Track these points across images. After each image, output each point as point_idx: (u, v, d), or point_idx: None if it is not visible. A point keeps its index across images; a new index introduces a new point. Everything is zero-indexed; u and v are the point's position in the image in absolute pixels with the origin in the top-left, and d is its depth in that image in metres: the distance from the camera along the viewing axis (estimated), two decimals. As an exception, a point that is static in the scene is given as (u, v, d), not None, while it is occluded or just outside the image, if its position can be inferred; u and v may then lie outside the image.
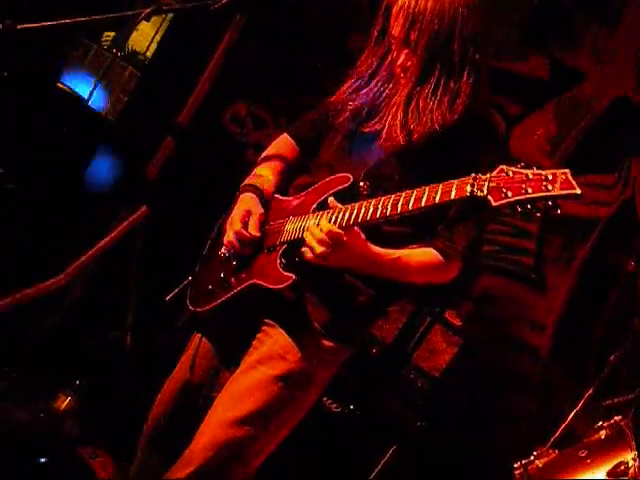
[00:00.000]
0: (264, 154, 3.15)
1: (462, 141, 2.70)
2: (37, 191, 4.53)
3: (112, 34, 6.35)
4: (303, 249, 2.58)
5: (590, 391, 3.90)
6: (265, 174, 3.04)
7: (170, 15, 6.57)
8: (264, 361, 2.71)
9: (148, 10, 2.53)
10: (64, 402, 3.95)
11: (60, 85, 4.76)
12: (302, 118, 3.24)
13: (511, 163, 2.18)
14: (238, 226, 2.83)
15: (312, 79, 4.95)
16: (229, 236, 2.85)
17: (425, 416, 4.28)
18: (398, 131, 2.70)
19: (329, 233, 2.50)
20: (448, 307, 4.48)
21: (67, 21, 2.40)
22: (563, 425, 3.81)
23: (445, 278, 2.78)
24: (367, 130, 2.82)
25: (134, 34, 6.69)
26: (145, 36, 6.69)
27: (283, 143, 3.18)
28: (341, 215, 2.54)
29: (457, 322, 4.47)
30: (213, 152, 5.14)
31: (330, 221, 2.55)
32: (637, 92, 5.21)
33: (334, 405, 4.05)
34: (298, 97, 5.21)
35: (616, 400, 3.84)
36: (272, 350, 2.72)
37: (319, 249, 2.52)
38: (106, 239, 2.30)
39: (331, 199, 2.61)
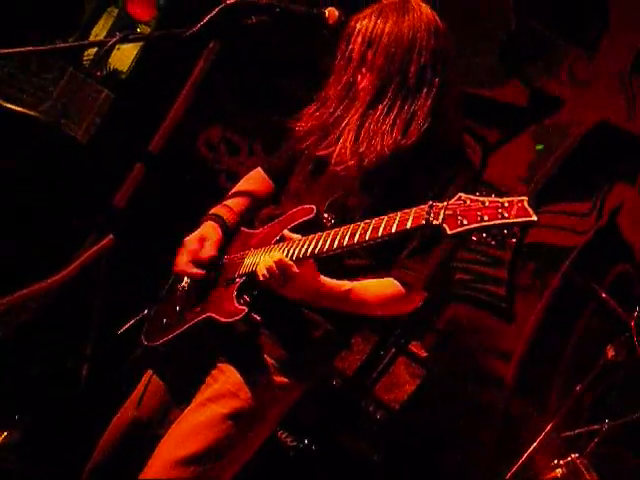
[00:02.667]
0: (235, 188, 3.14)
1: (424, 168, 2.69)
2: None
3: (92, 54, 6.31)
4: (258, 271, 2.55)
5: (552, 423, 3.90)
6: (232, 205, 3.02)
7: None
8: (215, 399, 2.66)
9: (115, 39, 2.50)
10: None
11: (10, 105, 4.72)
12: (275, 152, 3.24)
13: (472, 191, 2.18)
14: (194, 245, 2.80)
15: (286, 103, 4.96)
16: (180, 262, 2.81)
17: (381, 449, 4.25)
18: (348, 154, 2.69)
19: (278, 263, 2.49)
20: (413, 338, 4.45)
21: (29, 48, 2.38)
22: (524, 456, 3.81)
23: (406, 309, 2.75)
24: (320, 153, 2.81)
25: (115, 53, 6.65)
26: (127, 55, 6.65)
27: (254, 177, 3.17)
28: (299, 247, 2.52)
29: (422, 353, 4.47)
30: (185, 178, 5.12)
31: (286, 252, 2.54)
32: (626, 116, 5.23)
33: (289, 439, 4.03)
34: (272, 122, 5.21)
35: (576, 432, 3.85)
36: (224, 388, 2.67)
37: (265, 276, 2.51)
38: (69, 268, 2.26)
39: (285, 231, 2.61)
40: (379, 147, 2.65)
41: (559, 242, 5.21)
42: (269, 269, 2.50)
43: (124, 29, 6.45)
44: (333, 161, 2.75)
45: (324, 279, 2.61)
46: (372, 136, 2.68)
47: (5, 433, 3.87)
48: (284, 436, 4.03)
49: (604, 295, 4.07)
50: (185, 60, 2.63)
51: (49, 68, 4.65)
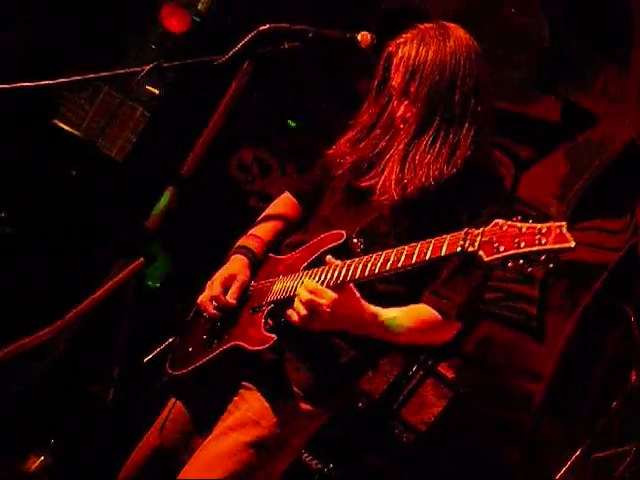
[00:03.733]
0: (264, 213, 3.14)
1: (461, 195, 2.66)
2: (38, 236, 4.55)
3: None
4: (289, 312, 2.55)
5: (582, 447, 3.87)
6: (260, 234, 3.01)
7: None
8: (236, 427, 2.66)
9: (148, 68, 2.53)
10: (34, 463, 3.93)
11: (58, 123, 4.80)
12: (304, 175, 3.23)
13: (508, 217, 2.14)
14: (217, 290, 2.79)
15: (319, 124, 4.99)
16: (204, 297, 2.82)
17: (408, 472, 4.22)
18: (393, 185, 2.66)
19: (314, 291, 2.48)
20: (441, 360, 4.43)
21: (63, 80, 2.42)
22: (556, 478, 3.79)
23: (444, 337, 2.74)
24: (363, 184, 2.78)
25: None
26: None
27: (283, 202, 3.15)
28: (330, 273, 2.51)
29: (450, 374, 4.44)
30: (217, 200, 5.15)
31: (320, 279, 2.52)
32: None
33: (314, 462, 4.02)
34: (304, 142, 5.24)
35: (608, 453, 3.82)
36: (245, 415, 2.67)
37: (303, 312, 2.49)
38: (99, 292, 2.30)
39: (329, 256, 2.57)
40: (424, 178, 2.63)
41: (592, 259, 5.16)
42: (306, 302, 2.47)
43: (161, 38, 6.49)
44: (377, 192, 2.71)
45: (369, 306, 2.58)
46: (417, 166, 2.66)
47: (42, 457, 3.92)
48: (309, 459, 4.03)
49: (632, 318, 4.04)
50: (221, 79, 2.63)
51: (84, 87, 4.73)
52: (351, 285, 2.50)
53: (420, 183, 2.63)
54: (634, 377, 3.92)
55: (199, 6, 6.60)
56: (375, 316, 2.60)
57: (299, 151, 5.29)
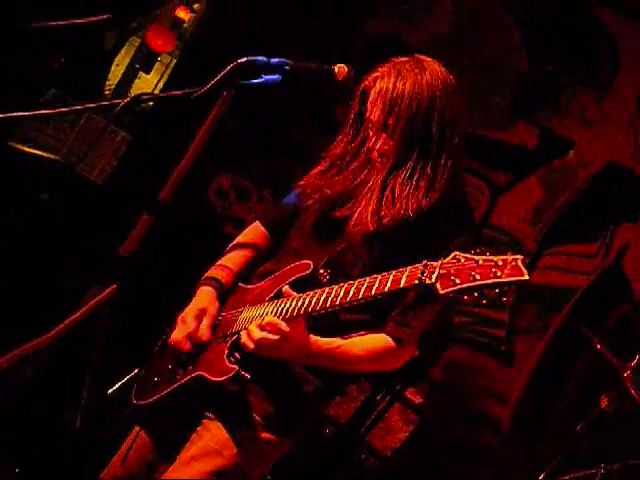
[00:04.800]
0: (234, 242, 3.16)
1: (432, 228, 2.69)
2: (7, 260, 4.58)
3: (115, 82, 6.42)
4: (242, 340, 2.59)
5: (546, 469, 3.92)
6: (230, 264, 3.03)
7: (173, 63, 6.70)
8: (198, 457, 2.68)
9: (126, 100, 2.57)
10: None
11: (19, 146, 4.82)
12: (274, 204, 3.26)
13: (470, 248, 2.20)
14: (192, 326, 2.80)
15: (298, 150, 5.05)
16: (177, 335, 2.82)
17: None
18: (369, 217, 2.69)
19: (269, 325, 2.52)
20: (409, 385, 4.45)
21: (46, 111, 2.47)
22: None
23: (396, 364, 2.76)
24: (338, 215, 2.82)
25: (137, 82, 6.77)
26: (148, 84, 6.77)
27: (253, 232, 3.17)
28: (293, 304, 2.55)
29: (417, 400, 4.47)
30: (193, 226, 5.19)
31: (279, 310, 2.57)
32: (635, 160, 5.26)
33: None
34: (283, 169, 5.31)
35: (572, 476, 3.87)
36: (208, 445, 2.70)
37: (250, 345, 2.54)
38: (71, 318, 2.33)
39: (285, 287, 2.62)
40: (402, 210, 2.66)
41: (563, 283, 5.23)
42: (260, 328, 2.52)
43: (146, 58, 6.61)
44: (352, 222, 2.74)
45: (313, 338, 2.63)
46: (395, 199, 2.69)
47: None
48: None
49: (598, 346, 4.10)
50: (201, 106, 2.69)
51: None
52: (299, 318, 2.54)
53: (397, 215, 2.67)
54: (604, 403, 3.97)
55: (185, 25, 6.68)
56: (317, 346, 2.64)
57: (277, 177, 5.35)
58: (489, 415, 5.09)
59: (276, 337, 2.53)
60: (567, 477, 3.98)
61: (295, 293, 2.59)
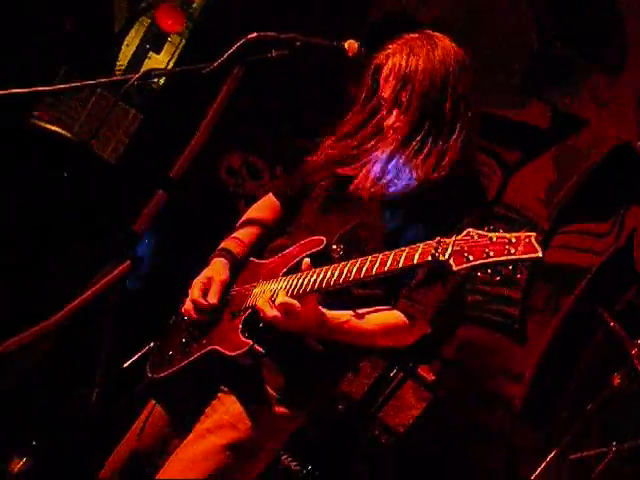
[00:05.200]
0: (246, 215, 3.17)
1: (443, 203, 2.69)
2: (25, 236, 4.60)
3: (125, 63, 6.41)
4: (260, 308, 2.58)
5: (558, 448, 3.93)
6: (242, 236, 3.04)
7: (182, 44, 6.68)
8: (213, 430, 2.70)
9: (137, 75, 2.57)
10: (18, 464, 3.97)
11: (40, 123, 4.83)
12: (286, 177, 3.26)
13: (482, 225, 2.19)
14: (196, 294, 2.81)
15: (308, 127, 5.04)
16: (186, 304, 2.84)
17: (386, 474, 4.26)
18: (369, 183, 2.71)
19: (280, 305, 2.51)
20: (422, 362, 4.46)
21: (46, 88, 2.46)
22: (531, 479, 3.84)
23: (407, 341, 2.76)
24: (340, 172, 2.83)
25: (147, 62, 6.75)
26: (159, 64, 6.74)
27: (266, 204, 3.18)
28: (305, 280, 2.54)
29: (430, 377, 4.47)
30: (205, 204, 5.20)
31: (293, 285, 2.56)
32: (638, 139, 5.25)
33: (293, 463, 4.05)
34: (294, 145, 5.30)
35: (584, 454, 3.88)
36: (223, 419, 2.71)
37: (267, 312, 2.54)
38: (85, 294, 2.34)
39: (306, 260, 2.60)
40: (407, 180, 2.68)
41: (576, 263, 5.22)
42: (274, 311, 2.52)
43: (155, 38, 6.60)
44: (354, 185, 2.76)
45: (327, 313, 2.63)
46: (400, 169, 2.70)
47: (24, 459, 3.95)
48: (288, 460, 4.05)
49: (611, 323, 4.09)
50: (212, 82, 2.66)
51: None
52: (312, 295, 2.54)
53: (402, 185, 2.68)
54: (617, 380, 3.97)
55: (194, 5, 6.66)
56: (332, 321, 2.64)
57: (288, 154, 5.34)
58: (502, 393, 5.11)
59: (289, 315, 2.52)
60: (578, 455, 3.99)
61: (312, 268, 2.58)
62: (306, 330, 2.64)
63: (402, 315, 2.70)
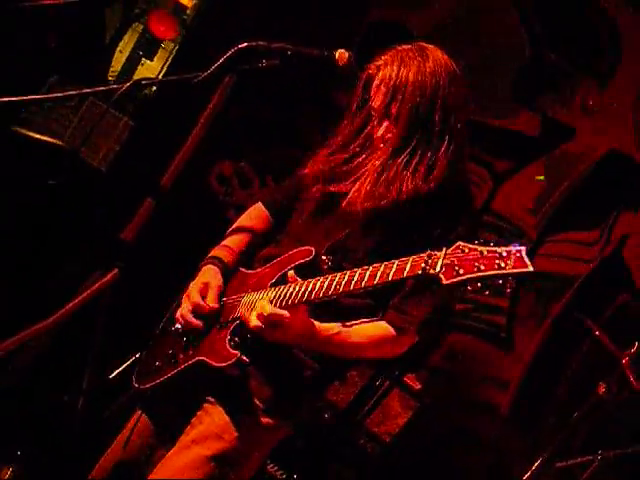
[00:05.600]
0: (236, 224, 3.18)
1: (433, 214, 2.71)
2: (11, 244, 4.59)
3: (118, 69, 6.42)
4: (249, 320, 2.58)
5: (544, 455, 3.94)
6: (232, 244, 3.05)
7: (176, 51, 6.68)
8: (199, 441, 2.70)
9: (127, 85, 2.58)
10: (5, 474, 3.97)
11: (23, 131, 4.82)
12: (277, 187, 3.27)
13: (473, 237, 2.20)
14: (197, 299, 2.82)
15: (299, 136, 5.07)
16: (183, 309, 2.84)
17: None
18: (362, 198, 2.72)
19: (269, 316, 2.52)
20: (408, 371, 4.46)
21: (36, 97, 2.46)
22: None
23: (396, 352, 2.78)
24: (333, 190, 2.84)
25: (140, 68, 6.75)
26: (152, 71, 6.74)
27: (256, 213, 3.19)
28: (295, 291, 2.55)
29: (416, 385, 4.48)
30: (195, 212, 5.20)
31: (281, 296, 2.57)
32: (637, 148, 5.26)
33: (279, 472, 4.05)
34: (284, 154, 5.31)
35: (570, 462, 3.89)
36: (208, 429, 2.71)
37: (254, 323, 2.55)
38: (73, 302, 2.35)
39: (291, 273, 2.63)
40: (397, 193, 2.68)
41: (563, 271, 5.24)
42: (258, 316, 2.54)
43: (149, 45, 6.61)
44: (347, 201, 2.78)
45: (316, 324, 2.64)
46: (391, 182, 2.71)
47: (11, 468, 3.95)
48: (274, 469, 4.05)
49: (597, 333, 4.11)
50: (204, 91, 2.66)
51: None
52: (302, 306, 2.55)
53: (392, 198, 2.68)
54: (602, 389, 3.99)
55: (187, 12, 6.67)
56: (321, 333, 2.65)
57: (279, 163, 5.35)
58: (488, 402, 5.12)
59: (277, 326, 2.53)
60: (564, 463, 4.00)
61: (299, 279, 2.60)
62: (295, 341, 2.64)
63: (390, 327, 2.71)
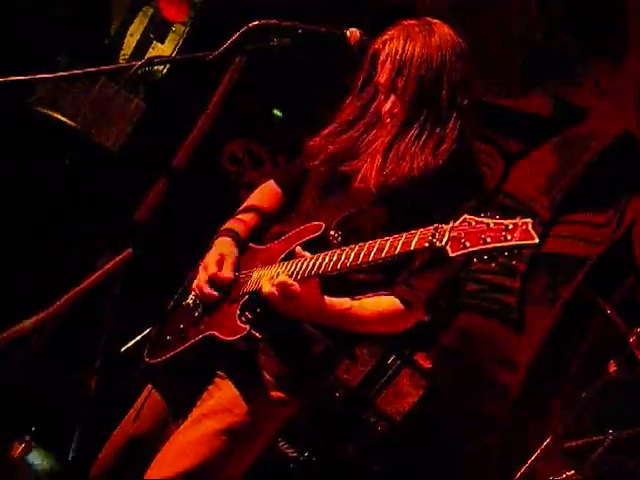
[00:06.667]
0: (247, 201, 3.19)
1: (441, 190, 2.71)
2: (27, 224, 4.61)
3: (129, 52, 6.43)
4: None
5: (552, 435, 3.95)
6: (244, 218, 3.07)
7: (186, 34, 6.68)
8: (210, 415, 2.72)
9: (140, 63, 2.59)
10: (18, 449, 4.02)
11: (41, 109, 4.83)
12: (288, 164, 3.29)
13: (482, 211, 2.20)
14: (213, 269, 2.83)
15: (310, 116, 5.06)
16: (200, 280, 2.86)
17: (382, 461, 4.27)
18: (374, 174, 2.72)
19: (281, 284, 2.55)
20: (419, 350, 4.47)
21: (48, 75, 2.48)
22: (524, 467, 3.86)
23: (404, 326, 2.79)
24: (345, 169, 2.84)
25: (151, 51, 6.76)
26: (163, 53, 6.75)
27: (267, 190, 3.21)
28: (303, 266, 2.58)
29: (427, 365, 4.48)
30: (208, 192, 5.22)
31: (291, 271, 2.60)
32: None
33: (290, 450, 4.07)
34: (297, 134, 5.31)
35: (578, 443, 3.90)
36: (219, 403, 2.73)
37: (267, 289, 2.57)
38: (86, 282, 2.36)
39: (298, 248, 2.65)
40: (407, 169, 2.68)
41: (575, 252, 5.23)
42: (273, 288, 2.56)
43: (159, 28, 6.61)
44: (358, 179, 2.77)
45: (327, 299, 2.66)
46: (400, 158, 2.71)
47: (23, 444, 3.98)
48: (285, 447, 4.07)
49: (609, 311, 4.10)
50: (215, 72, 2.66)
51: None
52: (314, 279, 2.57)
53: (403, 174, 2.68)
54: (612, 368, 3.99)
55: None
56: (330, 306, 2.67)
57: (291, 143, 5.36)
58: (498, 382, 5.12)
59: (288, 297, 2.56)
60: (574, 443, 4.00)
61: (307, 254, 2.61)
62: (305, 314, 2.67)
63: (398, 301, 2.73)
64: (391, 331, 2.85)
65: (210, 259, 2.89)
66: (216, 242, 2.99)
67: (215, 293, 2.83)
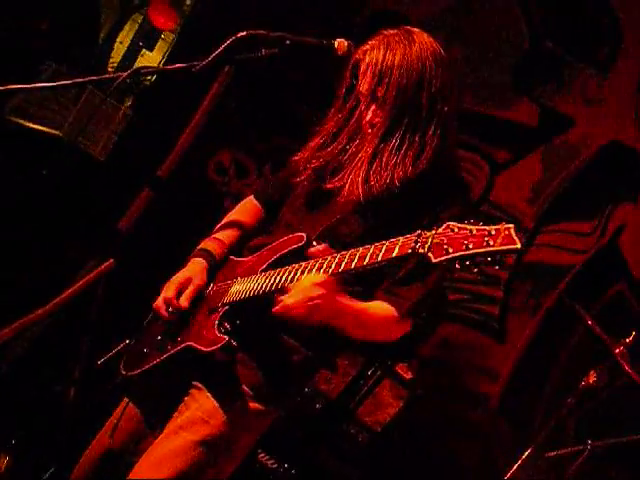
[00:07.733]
0: (227, 217, 3.21)
1: (423, 198, 2.73)
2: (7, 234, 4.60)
3: (118, 60, 6.44)
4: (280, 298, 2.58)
5: (534, 444, 3.96)
6: (222, 237, 3.07)
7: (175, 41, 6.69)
8: (186, 426, 2.71)
9: (127, 73, 2.60)
10: (3, 462, 4.00)
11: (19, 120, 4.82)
12: (270, 178, 3.31)
13: (464, 218, 2.22)
14: (171, 293, 2.85)
15: (297, 126, 5.07)
16: (158, 301, 2.87)
17: (362, 472, 4.27)
18: (359, 187, 2.73)
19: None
20: (399, 360, 4.47)
21: (35, 85, 2.47)
22: (506, 477, 3.87)
23: (393, 336, 2.79)
24: (330, 187, 2.86)
25: (140, 59, 6.77)
26: (152, 62, 6.76)
27: (248, 207, 3.23)
28: (283, 276, 2.58)
29: (408, 375, 4.48)
30: (193, 202, 5.23)
31: (269, 283, 2.60)
32: (637, 139, 5.25)
33: (270, 461, 4.07)
34: (282, 144, 5.33)
35: (560, 452, 3.91)
36: (195, 415, 2.73)
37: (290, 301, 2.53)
38: (67, 292, 2.37)
39: (319, 246, 2.64)
40: (389, 179, 2.70)
41: (558, 262, 5.25)
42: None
43: (148, 35, 6.63)
44: (344, 193, 2.77)
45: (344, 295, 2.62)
46: (383, 168, 2.72)
47: (8, 457, 3.97)
48: (265, 458, 4.06)
49: (589, 322, 4.11)
50: (203, 81, 2.68)
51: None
52: (329, 277, 2.52)
53: (385, 184, 2.70)
54: (593, 378, 4.00)
55: (187, 2, 6.68)
56: (349, 305, 2.64)
57: (276, 153, 5.37)
58: (479, 392, 5.13)
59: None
60: (554, 453, 4.01)
61: (320, 246, 2.61)
62: (325, 313, 2.58)
63: (391, 307, 2.70)
64: (382, 339, 2.84)
65: (174, 282, 2.90)
66: (189, 263, 2.99)
67: (171, 316, 2.84)
